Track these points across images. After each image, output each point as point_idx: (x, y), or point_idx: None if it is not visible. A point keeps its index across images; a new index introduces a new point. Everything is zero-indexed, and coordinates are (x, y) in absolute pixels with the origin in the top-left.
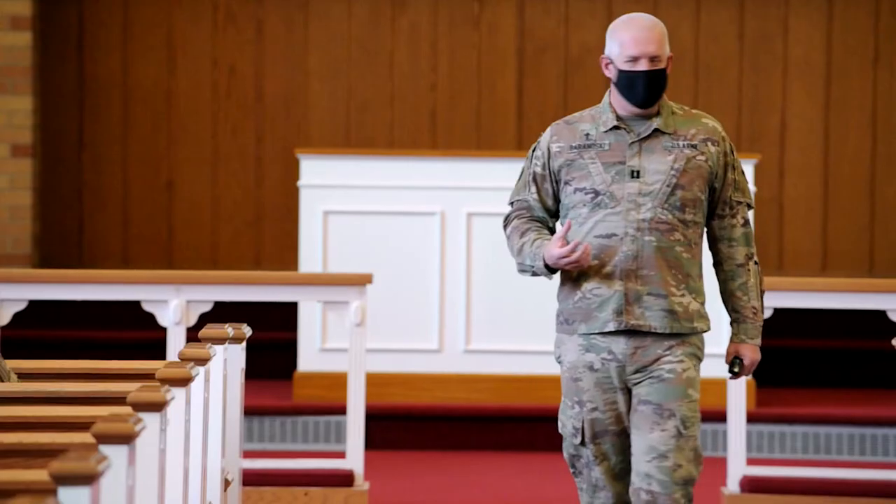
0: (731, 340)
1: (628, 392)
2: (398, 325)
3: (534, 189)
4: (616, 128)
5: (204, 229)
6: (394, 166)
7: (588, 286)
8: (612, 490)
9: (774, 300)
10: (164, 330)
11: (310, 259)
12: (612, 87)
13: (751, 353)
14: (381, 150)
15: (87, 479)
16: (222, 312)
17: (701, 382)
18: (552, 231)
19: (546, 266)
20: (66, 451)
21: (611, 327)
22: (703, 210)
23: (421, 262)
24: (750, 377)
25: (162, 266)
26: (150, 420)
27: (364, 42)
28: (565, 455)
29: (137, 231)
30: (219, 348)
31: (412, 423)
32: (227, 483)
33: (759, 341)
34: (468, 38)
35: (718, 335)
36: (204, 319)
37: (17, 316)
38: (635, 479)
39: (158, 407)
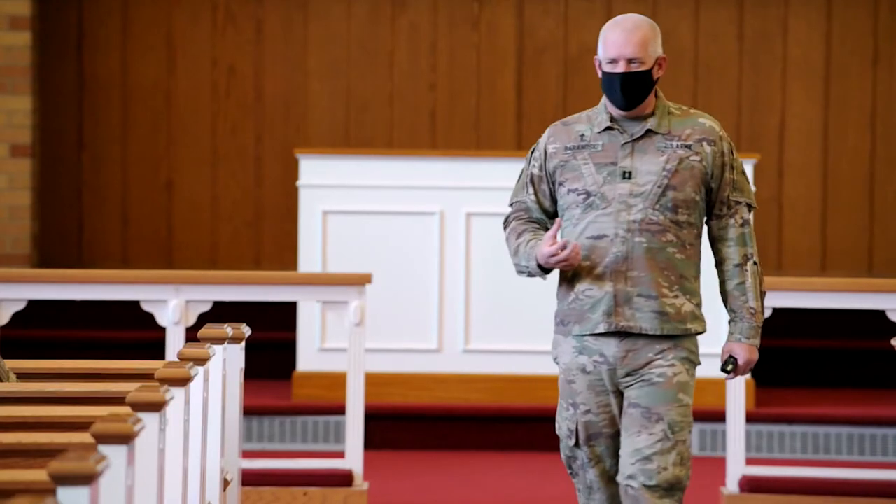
0: (727, 340)
1: (621, 395)
2: (397, 325)
3: (531, 190)
4: (609, 129)
5: (203, 229)
6: (393, 166)
7: (581, 287)
8: (607, 492)
9: (774, 300)
10: (163, 330)
11: (309, 259)
12: None
13: (745, 353)
14: (381, 150)
15: (87, 479)
16: (221, 312)
17: (701, 382)
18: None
19: (539, 266)
20: (66, 451)
21: (601, 329)
22: (700, 211)
23: (420, 262)
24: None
25: (161, 266)
26: (149, 420)
27: (364, 42)
28: (562, 456)
29: (137, 231)
30: (218, 348)
31: (411, 423)
32: (226, 483)
33: (756, 342)
34: (468, 38)
35: (719, 335)
36: (203, 319)
37: (16, 316)
38: (620, 480)
39: (157, 407)
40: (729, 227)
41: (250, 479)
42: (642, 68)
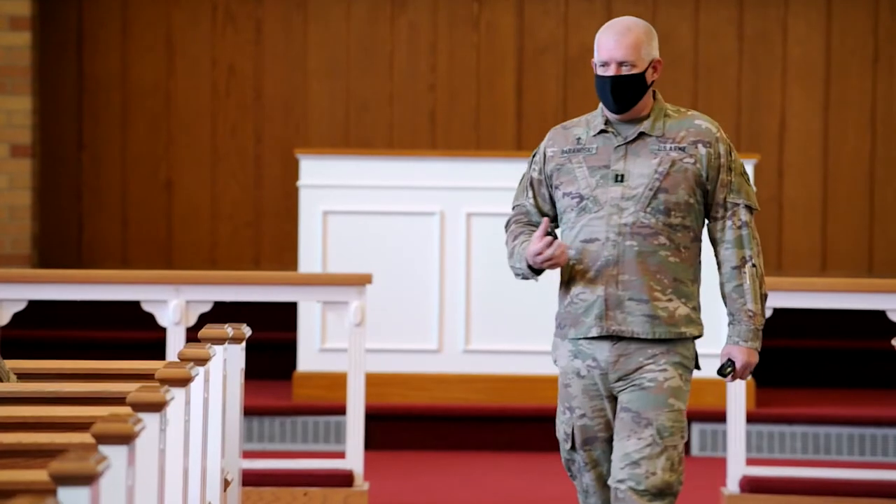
0: (726, 343)
1: (615, 399)
2: (397, 326)
3: (531, 194)
4: (603, 132)
5: (203, 229)
6: (393, 166)
7: (575, 291)
8: (603, 496)
9: (774, 300)
10: (163, 330)
11: (309, 259)
12: None
13: (743, 356)
14: (381, 150)
15: (87, 479)
16: (222, 312)
17: (701, 383)
18: (549, 236)
19: (529, 267)
20: (66, 452)
21: (594, 332)
22: (696, 213)
23: (420, 263)
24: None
25: (161, 266)
26: (149, 420)
27: (363, 42)
28: (562, 458)
29: (137, 231)
30: (218, 348)
31: (411, 423)
32: (226, 483)
33: (755, 344)
34: (467, 38)
35: (719, 336)
36: (203, 319)
37: (16, 316)
38: (611, 483)
39: (158, 407)
40: (726, 229)
41: (251, 479)
42: (634, 71)
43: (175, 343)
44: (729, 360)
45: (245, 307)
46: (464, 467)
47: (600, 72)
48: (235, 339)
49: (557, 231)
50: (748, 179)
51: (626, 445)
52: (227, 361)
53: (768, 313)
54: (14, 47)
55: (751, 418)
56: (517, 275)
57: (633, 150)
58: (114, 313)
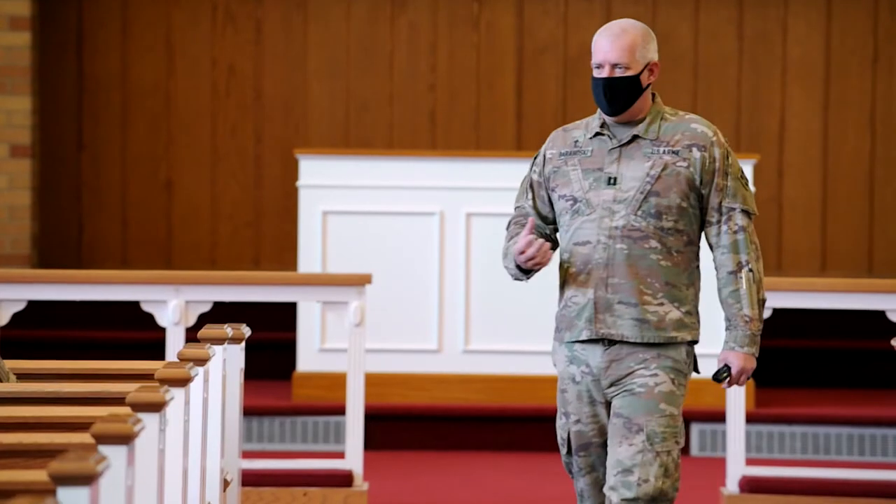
0: (723, 348)
1: (608, 406)
2: (397, 326)
3: (530, 196)
4: (599, 134)
5: (203, 229)
6: (393, 166)
7: (568, 294)
8: (596, 500)
9: (774, 300)
10: (163, 330)
11: (309, 259)
12: None
13: (739, 362)
14: (381, 150)
15: (87, 479)
16: (221, 313)
17: (701, 383)
18: (548, 238)
19: (518, 267)
20: (66, 452)
21: (585, 336)
22: (690, 217)
23: (420, 263)
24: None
25: (161, 266)
26: (149, 420)
27: (363, 42)
28: (562, 460)
29: (136, 231)
30: (218, 348)
31: (411, 423)
32: (226, 483)
33: (751, 350)
34: (467, 38)
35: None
36: (203, 320)
37: (16, 316)
38: (605, 491)
39: (157, 407)
40: (722, 234)
41: (250, 479)
42: (627, 73)
43: (175, 343)
44: (725, 365)
45: (245, 307)
46: (464, 467)
47: (595, 73)
48: (235, 339)
49: (559, 236)
50: (746, 184)
51: (619, 452)
52: (226, 361)
53: (768, 314)
54: (14, 47)
55: (750, 418)
56: (511, 275)
57: (626, 153)
58: (114, 313)
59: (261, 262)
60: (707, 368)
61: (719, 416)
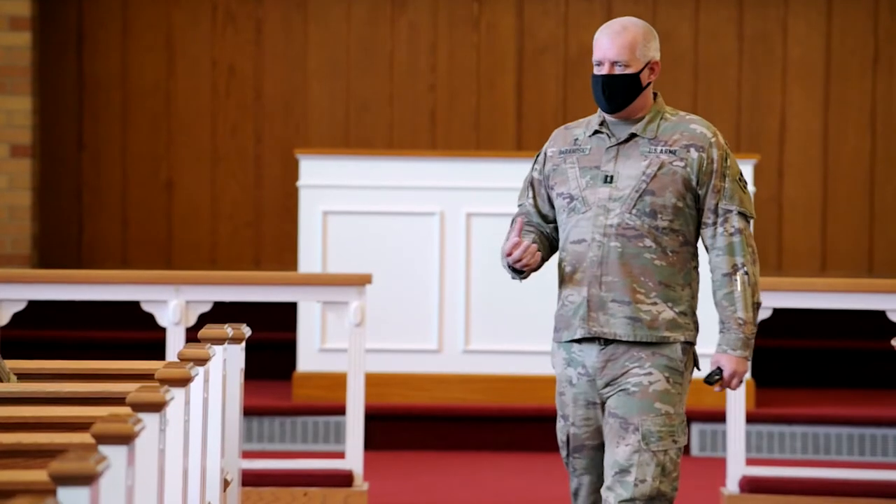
0: (715, 350)
1: (604, 406)
2: (397, 326)
3: (531, 194)
4: (597, 132)
5: (203, 229)
6: (393, 166)
7: (565, 293)
8: (587, 502)
9: (774, 300)
10: (163, 330)
11: (309, 259)
12: None
13: (731, 364)
14: (381, 150)
15: (87, 479)
16: (221, 312)
17: (702, 384)
18: (548, 237)
19: (511, 267)
20: (66, 452)
21: (579, 334)
22: (686, 217)
23: (420, 263)
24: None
25: (161, 266)
26: (149, 420)
27: (363, 42)
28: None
29: (136, 231)
30: (218, 348)
31: (411, 423)
32: (226, 483)
33: (744, 353)
34: (468, 38)
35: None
36: (203, 319)
37: (16, 316)
38: (602, 492)
39: (158, 407)
40: (717, 235)
41: (250, 479)
42: (627, 71)
43: (175, 343)
44: (717, 368)
45: (245, 307)
46: (464, 467)
47: (595, 71)
48: (235, 339)
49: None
50: (745, 187)
51: (616, 453)
52: (226, 361)
53: (768, 314)
54: (14, 47)
55: (750, 418)
56: (508, 274)
57: (624, 152)
58: (114, 313)
59: (261, 262)
60: (705, 369)
61: (719, 416)
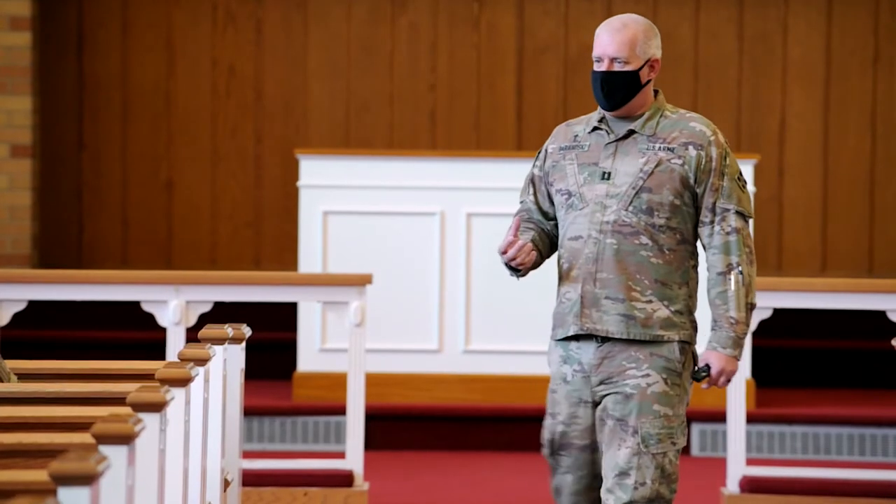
0: (706, 348)
1: (595, 406)
2: (398, 326)
3: (531, 191)
4: (597, 129)
5: (203, 229)
6: (393, 166)
7: (562, 290)
8: (568, 501)
9: (774, 300)
10: (163, 330)
11: (309, 259)
12: None
13: (719, 363)
14: (381, 150)
15: (87, 479)
16: (222, 313)
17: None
18: (548, 235)
19: (508, 266)
20: (66, 452)
21: (573, 331)
22: (684, 216)
23: (420, 263)
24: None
25: (161, 266)
26: (149, 420)
27: (364, 42)
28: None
29: (136, 231)
30: (218, 348)
31: (412, 423)
32: (226, 483)
33: (734, 352)
34: (468, 38)
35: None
36: (203, 320)
37: (16, 316)
38: (602, 494)
39: (158, 407)
40: (714, 234)
41: (251, 479)
42: (626, 68)
43: (175, 343)
44: (706, 364)
45: (245, 307)
46: (464, 467)
47: (594, 67)
48: (235, 340)
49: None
50: (743, 186)
51: (616, 455)
52: (227, 361)
53: (768, 314)
54: (14, 47)
55: (751, 418)
56: (507, 271)
57: (622, 149)
58: (114, 313)
59: (261, 262)
60: None
61: (719, 416)
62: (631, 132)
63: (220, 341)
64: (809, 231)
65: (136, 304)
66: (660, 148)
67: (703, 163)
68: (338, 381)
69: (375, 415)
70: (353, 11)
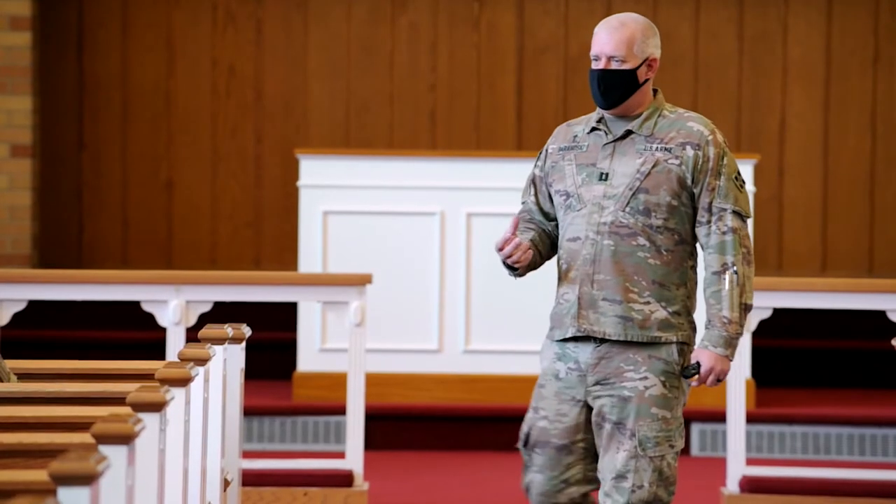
0: (697, 345)
1: (586, 407)
2: (398, 326)
3: (532, 192)
4: (595, 129)
5: (203, 229)
6: (393, 166)
7: (561, 291)
8: (537, 501)
9: (774, 300)
10: (163, 330)
11: (309, 259)
12: None
13: (710, 361)
14: (381, 150)
15: (87, 479)
16: (222, 312)
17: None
18: (549, 235)
19: (505, 264)
20: (66, 452)
21: (570, 333)
22: (682, 216)
23: (420, 263)
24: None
25: (161, 266)
26: (149, 420)
27: (364, 42)
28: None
29: (137, 231)
30: (218, 348)
31: (412, 423)
32: (226, 483)
33: (726, 352)
34: (468, 38)
35: None
36: (203, 319)
37: (16, 316)
38: (599, 497)
39: (158, 407)
40: (711, 234)
41: (250, 479)
42: (624, 67)
43: (175, 343)
44: (696, 362)
45: (245, 307)
46: (464, 467)
47: (592, 65)
48: (235, 339)
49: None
50: (741, 186)
51: (613, 458)
52: (227, 361)
53: (767, 314)
54: (14, 47)
55: (751, 418)
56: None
57: (620, 149)
58: (114, 313)
59: (261, 262)
60: None
61: (719, 416)
62: (628, 132)
63: (220, 341)
64: (809, 231)
65: (136, 304)
66: (657, 148)
67: (700, 163)
68: (338, 381)
69: (375, 415)
70: (353, 11)
